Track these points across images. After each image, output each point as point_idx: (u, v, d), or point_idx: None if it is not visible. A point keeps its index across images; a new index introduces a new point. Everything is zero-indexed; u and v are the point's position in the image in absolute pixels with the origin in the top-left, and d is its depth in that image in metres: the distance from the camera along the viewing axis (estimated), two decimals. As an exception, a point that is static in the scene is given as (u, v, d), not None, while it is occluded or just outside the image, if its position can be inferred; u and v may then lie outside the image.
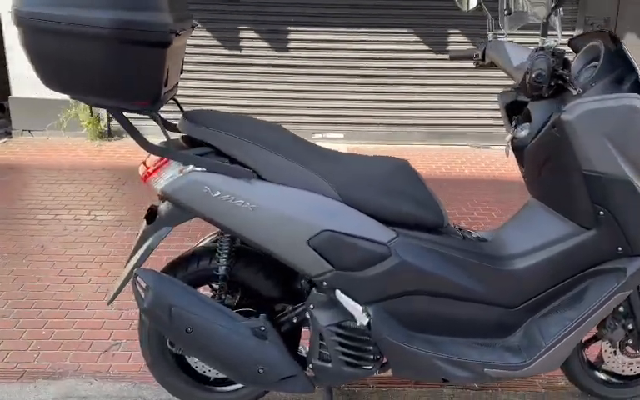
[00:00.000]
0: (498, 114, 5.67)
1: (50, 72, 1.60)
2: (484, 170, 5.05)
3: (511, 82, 2.05)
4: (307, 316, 1.86)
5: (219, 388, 2.04)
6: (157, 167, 1.75)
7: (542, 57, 1.62)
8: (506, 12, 2.03)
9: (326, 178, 1.74)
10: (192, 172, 1.70)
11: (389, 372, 1.93)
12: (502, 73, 2.04)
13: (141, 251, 1.82)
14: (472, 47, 2.22)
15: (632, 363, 2.11)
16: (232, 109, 5.41)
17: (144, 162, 1.83)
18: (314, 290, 1.83)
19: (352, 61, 5.50)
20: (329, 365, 1.84)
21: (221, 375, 2.01)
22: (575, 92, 1.64)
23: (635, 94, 1.72)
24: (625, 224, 1.77)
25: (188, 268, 1.89)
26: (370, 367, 1.88)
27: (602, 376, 2.18)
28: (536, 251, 1.91)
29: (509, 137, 1.94)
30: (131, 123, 1.71)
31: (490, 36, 2.10)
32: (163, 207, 1.81)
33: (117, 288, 1.87)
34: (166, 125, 1.82)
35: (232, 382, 2.04)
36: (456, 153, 5.45)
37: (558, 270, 1.90)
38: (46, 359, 2.40)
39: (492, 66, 2.10)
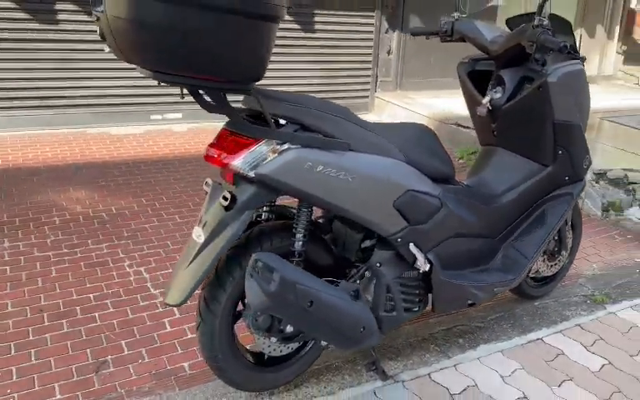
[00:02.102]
0: (327, 87, 6.17)
1: (152, 47, 1.40)
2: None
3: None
4: (368, 274, 2.01)
5: (282, 366, 2.03)
6: (242, 149, 1.67)
7: (546, 33, 2.06)
8: (469, -5, 2.44)
9: (394, 144, 1.90)
10: (289, 150, 1.67)
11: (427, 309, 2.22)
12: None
13: (223, 240, 1.71)
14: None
15: (552, 266, 2.80)
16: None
17: (214, 146, 1.72)
18: (376, 249, 1.99)
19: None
20: (394, 313, 2.04)
21: (275, 354, 2.00)
22: (579, 58, 2.13)
23: (578, 60, 2.31)
24: (574, 158, 2.39)
25: (262, 247, 1.83)
26: (417, 308, 2.14)
27: (532, 280, 2.85)
28: (512, 188, 2.40)
29: (487, 99, 2.37)
30: (229, 103, 1.59)
31: (456, 15, 2.48)
32: (241, 190, 1.72)
33: (192, 285, 1.71)
34: (207, 105, 1.72)
35: (286, 359, 2.05)
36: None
37: (526, 201, 2.44)
38: (29, 402, 1.99)
39: (460, 40, 2.47)
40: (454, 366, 2.33)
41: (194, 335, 2.39)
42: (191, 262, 1.75)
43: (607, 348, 2.51)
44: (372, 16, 6.27)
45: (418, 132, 2.10)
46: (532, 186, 2.41)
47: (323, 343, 1.95)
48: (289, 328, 1.86)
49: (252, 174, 1.67)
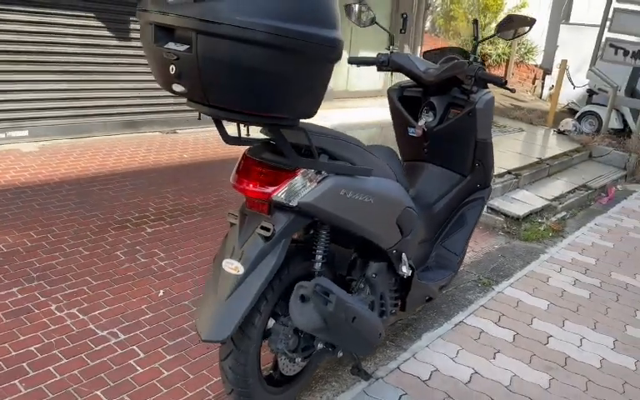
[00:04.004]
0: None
1: (239, 88, 1.43)
2: (173, 154, 5.22)
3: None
4: (362, 285, 2.21)
5: (291, 384, 2.11)
6: (283, 180, 1.74)
7: (481, 69, 2.49)
8: (402, 31, 2.77)
9: (388, 166, 2.14)
10: (327, 179, 1.79)
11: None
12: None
13: (267, 269, 1.75)
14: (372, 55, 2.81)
15: None
16: None
17: (246, 177, 1.76)
18: (371, 262, 2.20)
19: (31, 46, 4.73)
20: (384, 317, 2.27)
21: (291, 373, 2.09)
22: (512, 90, 2.59)
23: (489, 90, 2.82)
24: (486, 169, 2.89)
25: (289, 270, 1.90)
26: (394, 311, 2.41)
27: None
28: (443, 196, 2.82)
29: (422, 122, 2.74)
30: (286, 139, 1.65)
31: (392, 48, 2.78)
32: (278, 219, 1.78)
33: (238, 317, 1.72)
34: (226, 136, 1.77)
35: (292, 378, 2.14)
36: (147, 140, 5.53)
37: (452, 206, 2.88)
38: None
39: (396, 70, 2.79)
40: (413, 356, 2.65)
41: (171, 372, 2.31)
42: (230, 294, 1.75)
43: (510, 322, 3.09)
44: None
45: (389, 152, 2.36)
46: (456, 193, 2.85)
47: (340, 354, 2.09)
48: (320, 346, 1.97)
49: (294, 203, 1.75)
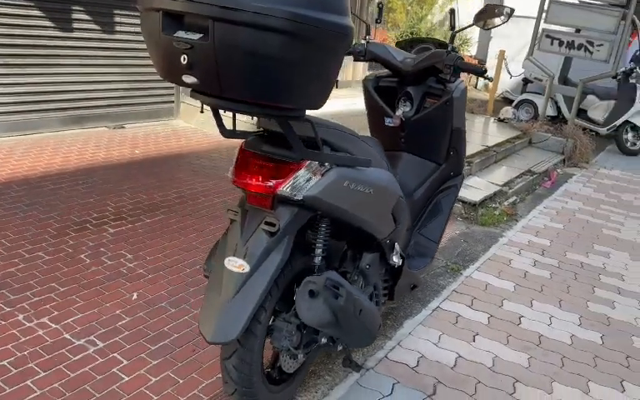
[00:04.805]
0: (134, 93, 5.79)
1: (256, 77, 1.37)
2: (123, 150, 5.03)
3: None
4: (355, 277, 2.20)
5: (290, 380, 2.07)
6: (288, 174, 1.70)
7: (460, 59, 2.52)
8: (378, 21, 2.76)
9: (381, 157, 2.13)
10: (331, 171, 1.76)
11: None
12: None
13: (273, 266, 1.70)
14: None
15: None
16: None
17: (246, 171, 1.70)
18: (365, 253, 2.19)
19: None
20: (378, 307, 2.28)
21: (291, 370, 2.05)
22: (490, 79, 2.64)
23: (462, 80, 2.88)
24: (460, 157, 2.95)
25: (292, 265, 1.86)
26: (384, 300, 2.42)
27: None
28: (421, 184, 2.86)
29: (400, 112, 2.76)
30: (293, 130, 1.60)
31: (368, 38, 2.77)
32: (282, 214, 1.74)
33: (246, 316, 1.67)
34: (223, 129, 1.72)
35: (292, 375, 2.10)
36: (94, 136, 5.27)
37: (429, 195, 2.92)
38: None
39: (372, 60, 2.78)
40: (398, 344, 2.67)
41: (158, 378, 2.21)
42: (236, 293, 1.69)
43: (482, 305, 3.18)
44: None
45: (376, 143, 2.36)
46: (432, 182, 2.90)
47: (339, 347, 2.07)
48: (323, 340, 1.94)
49: (299, 197, 1.70)
